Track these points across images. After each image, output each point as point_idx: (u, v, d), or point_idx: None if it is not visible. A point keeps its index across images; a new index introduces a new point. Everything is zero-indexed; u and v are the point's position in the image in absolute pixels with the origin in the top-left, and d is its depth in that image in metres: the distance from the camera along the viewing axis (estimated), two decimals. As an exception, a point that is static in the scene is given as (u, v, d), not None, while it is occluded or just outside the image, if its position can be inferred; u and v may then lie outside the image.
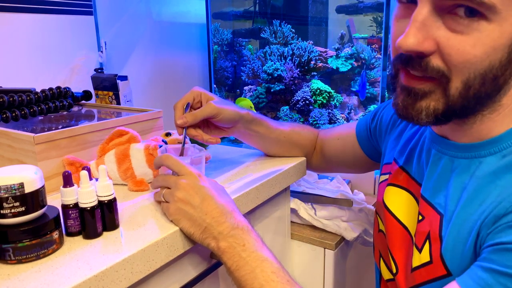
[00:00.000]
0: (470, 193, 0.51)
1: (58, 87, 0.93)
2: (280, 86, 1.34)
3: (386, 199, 0.66)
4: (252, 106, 1.14)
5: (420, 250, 0.57)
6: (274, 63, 1.35)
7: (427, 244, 0.56)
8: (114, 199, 0.59)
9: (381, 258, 0.68)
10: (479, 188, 0.50)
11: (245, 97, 1.45)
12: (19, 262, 0.51)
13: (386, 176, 0.70)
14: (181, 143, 0.73)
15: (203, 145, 0.86)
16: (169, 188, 0.63)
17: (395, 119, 0.74)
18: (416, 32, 0.46)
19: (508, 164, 0.48)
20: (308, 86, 1.36)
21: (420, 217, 0.58)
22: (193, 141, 0.78)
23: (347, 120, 1.37)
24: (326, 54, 1.39)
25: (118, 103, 1.12)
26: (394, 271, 0.63)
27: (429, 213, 0.57)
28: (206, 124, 0.79)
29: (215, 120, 0.76)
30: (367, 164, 0.85)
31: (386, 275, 0.67)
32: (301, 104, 1.32)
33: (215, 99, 0.76)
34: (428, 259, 0.55)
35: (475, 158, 0.52)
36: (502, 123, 0.51)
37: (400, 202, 0.64)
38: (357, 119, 1.31)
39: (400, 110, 0.52)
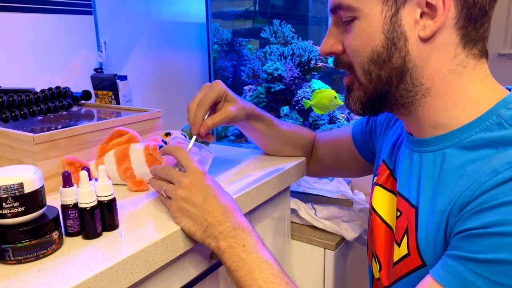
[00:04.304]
0: (439, 185, 0.54)
1: (58, 87, 0.93)
2: (280, 86, 1.34)
3: (374, 200, 0.69)
4: (337, 96, 1.13)
5: (399, 245, 0.59)
6: (274, 63, 1.35)
7: (405, 237, 0.58)
8: (114, 199, 0.59)
9: (373, 258, 0.69)
10: (446, 181, 0.53)
11: (245, 97, 1.45)
12: (19, 262, 0.51)
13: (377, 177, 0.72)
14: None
15: (205, 142, 0.86)
16: (172, 183, 0.63)
17: (389, 120, 0.75)
18: (327, 39, 0.60)
19: (472, 158, 0.51)
20: (308, 86, 1.36)
21: (398, 213, 0.61)
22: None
23: (347, 120, 1.36)
24: (327, 54, 1.38)
25: (118, 103, 1.12)
26: (378, 268, 0.65)
27: (405, 208, 0.59)
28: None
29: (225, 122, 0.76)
30: (364, 167, 0.85)
31: (377, 274, 0.68)
32: (302, 104, 1.32)
33: (235, 103, 0.75)
34: (406, 251, 0.58)
35: (439, 150, 0.56)
36: (444, 107, 0.55)
37: (384, 202, 0.66)
38: (357, 119, 1.31)
39: (346, 106, 0.62)
